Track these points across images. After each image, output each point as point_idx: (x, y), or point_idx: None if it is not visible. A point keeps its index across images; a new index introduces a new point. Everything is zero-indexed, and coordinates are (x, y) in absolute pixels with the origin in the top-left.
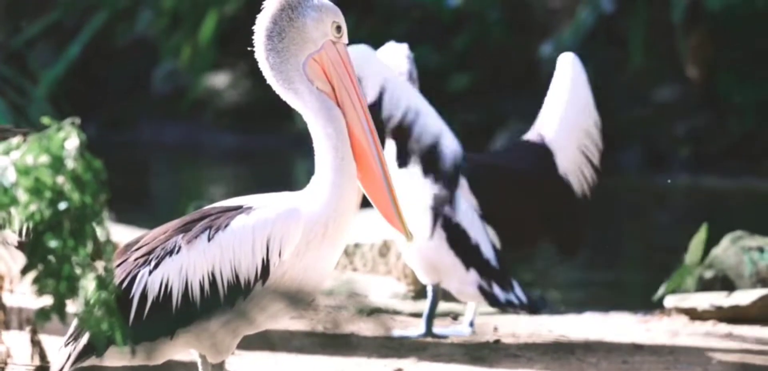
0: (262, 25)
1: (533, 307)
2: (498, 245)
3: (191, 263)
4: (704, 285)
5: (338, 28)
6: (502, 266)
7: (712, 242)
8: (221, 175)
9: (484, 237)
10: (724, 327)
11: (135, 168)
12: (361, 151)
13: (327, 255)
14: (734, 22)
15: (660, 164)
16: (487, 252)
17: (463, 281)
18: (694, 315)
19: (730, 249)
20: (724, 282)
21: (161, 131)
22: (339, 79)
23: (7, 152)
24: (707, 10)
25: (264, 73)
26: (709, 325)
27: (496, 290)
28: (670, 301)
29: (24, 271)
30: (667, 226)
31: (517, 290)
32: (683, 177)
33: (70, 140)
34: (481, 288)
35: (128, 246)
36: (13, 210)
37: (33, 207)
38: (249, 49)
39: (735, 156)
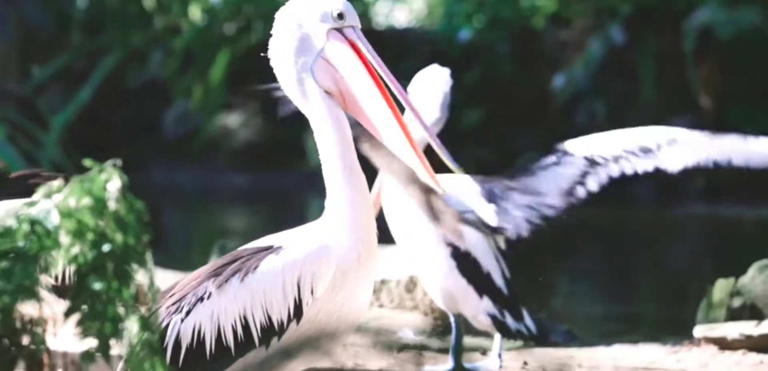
0: (275, 31)
1: (543, 337)
2: (508, 274)
3: (222, 308)
4: (732, 315)
5: (340, 15)
6: (513, 296)
7: (736, 271)
8: (235, 215)
9: (495, 266)
10: (754, 356)
11: (148, 211)
12: (383, 123)
13: (362, 285)
14: (745, 52)
15: (674, 195)
16: (499, 281)
17: (477, 308)
18: (723, 344)
19: (758, 278)
20: (753, 311)
21: (173, 172)
22: (348, 62)
23: (49, 195)
24: (718, 39)
25: (279, 80)
26: (739, 355)
27: (508, 319)
28: (699, 331)
29: (68, 313)
30: (684, 257)
31: (527, 319)
32: (698, 208)
33: (112, 181)
34: (493, 317)
35: (163, 293)
36: (55, 253)
37: (76, 250)
38: (260, 87)
39: (749, 186)
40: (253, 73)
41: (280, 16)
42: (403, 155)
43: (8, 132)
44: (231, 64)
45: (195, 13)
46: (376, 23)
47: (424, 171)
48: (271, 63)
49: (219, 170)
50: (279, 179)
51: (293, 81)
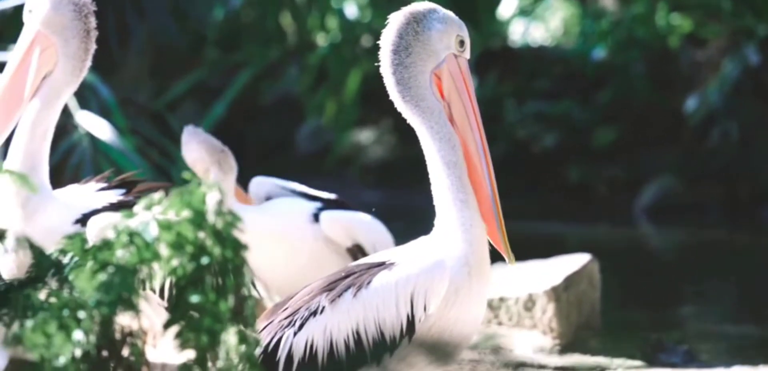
0: (387, 39)
1: None
2: None
3: (335, 322)
4: None
5: (462, 43)
6: None
7: None
8: None
9: None
10: None
11: None
12: (473, 168)
13: (475, 301)
14: None
15: None
16: None
17: None
18: None
19: None
20: None
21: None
22: (457, 92)
23: (149, 207)
24: None
25: (389, 90)
26: None
27: None
28: None
29: (166, 325)
30: None
31: None
32: None
33: (211, 194)
34: None
35: (277, 306)
36: (155, 265)
37: (175, 262)
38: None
39: None
40: (386, 90)
41: (398, 20)
42: (486, 201)
43: (139, 144)
44: (364, 81)
45: (330, 28)
46: (512, 41)
47: (500, 236)
48: (381, 70)
49: (351, 187)
50: (411, 196)
51: (409, 93)
